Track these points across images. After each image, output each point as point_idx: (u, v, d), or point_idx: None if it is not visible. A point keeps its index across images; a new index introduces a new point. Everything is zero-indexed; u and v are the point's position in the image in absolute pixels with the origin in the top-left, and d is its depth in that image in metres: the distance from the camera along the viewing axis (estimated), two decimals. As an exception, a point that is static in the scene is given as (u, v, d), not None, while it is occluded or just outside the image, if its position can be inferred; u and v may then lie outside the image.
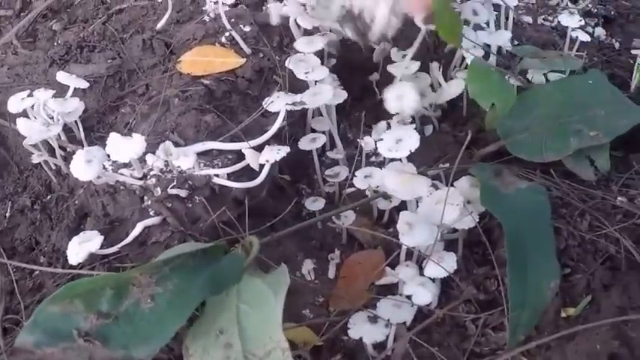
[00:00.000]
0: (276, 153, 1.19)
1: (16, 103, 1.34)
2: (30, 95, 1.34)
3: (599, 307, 1.10)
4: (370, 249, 1.28)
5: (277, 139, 1.30)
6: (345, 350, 1.13)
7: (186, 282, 1.02)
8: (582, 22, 1.55)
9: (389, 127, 1.37)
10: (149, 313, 0.99)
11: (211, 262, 1.06)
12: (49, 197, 1.37)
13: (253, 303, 1.00)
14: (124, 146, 1.15)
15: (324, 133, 1.37)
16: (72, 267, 1.17)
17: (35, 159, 1.34)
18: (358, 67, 1.55)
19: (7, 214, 1.39)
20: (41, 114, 1.34)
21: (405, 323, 1.10)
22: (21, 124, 1.31)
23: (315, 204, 1.31)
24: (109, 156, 1.16)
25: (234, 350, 0.97)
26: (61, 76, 1.40)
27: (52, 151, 1.35)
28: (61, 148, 1.35)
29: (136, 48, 1.56)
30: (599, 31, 1.70)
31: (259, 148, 1.24)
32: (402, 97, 1.31)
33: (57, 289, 1.12)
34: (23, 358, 0.97)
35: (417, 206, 1.19)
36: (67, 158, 1.34)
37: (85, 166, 1.13)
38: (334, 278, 1.26)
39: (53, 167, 1.37)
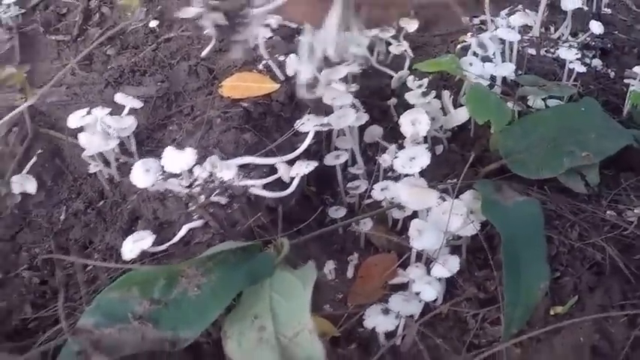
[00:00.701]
0: (305, 167, 1.31)
1: (76, 120, 1.47)
2: (89, 113, 1.47)
3: (584, 306, 1.22)
4: (385, 252, 1.40)
5: (306, 155, 1.40)
6: (360, 340, 1.24)
7: (227, 275, 1.16)
8: (579, 55, 1.65)
9: (399, 148, 1.48)
10: (195, 300, 1.13)
11: (248, 258, 1.20)
12: (102, 202, 1.48)
13: (284, 293, 1.13)
14: (178, 158, 1.29)
15: (346, 150, 1.48)
16: (124, 262, 1.28)
17: (92, 169, 1.48)
18: (378, 92, 1.67)
19: (62, 217, 1.50)
20: (98, 129, 1.48)
21: (412, 316, 1.22)
22: (82, 138, 1.44)
23: (337, 212, 1.44)
24: (162, 167, 1.31)
25: (267, 332, 1.09)
26: (119, 97, 1.54)
27: (106, 162, 1.48)
28: (115, 159, 1.49)
29: (182, 73, 1.70)
30: (597, 62, 1.79)
31: (290, 163, 1.35)
32: (416, 122, 1.43)
33: (110, 281, 1.25)
34: (84, 337, 1.10)
35: (427, 215, 1.31)
36: (120, 168, 1.48)
37: (143, 175, 1.29)
38: (352, 277, 1.37)
39: (106, 176, 1.50)
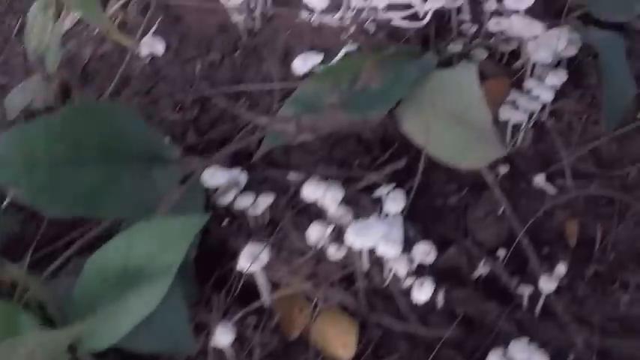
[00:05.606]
0: (437, 2, 1.61)
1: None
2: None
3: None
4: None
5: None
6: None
7: (401, 70, 1.44)
8: None
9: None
10: (376, 91, 1.42)
11: (415, 59, 1.49)
12: (237, 53, 1.71)
13: (450, 80, 1.43)
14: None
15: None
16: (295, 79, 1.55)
17: (234, 18, 1.71)
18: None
19: (198, 68, 1.72)
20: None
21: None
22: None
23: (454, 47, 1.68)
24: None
25: (440, 108, 1.41)
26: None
27: (250, 11, 1.70)
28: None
29: None
30: None
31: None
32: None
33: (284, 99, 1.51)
34: (287, 121, 1.40)
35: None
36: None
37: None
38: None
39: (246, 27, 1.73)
